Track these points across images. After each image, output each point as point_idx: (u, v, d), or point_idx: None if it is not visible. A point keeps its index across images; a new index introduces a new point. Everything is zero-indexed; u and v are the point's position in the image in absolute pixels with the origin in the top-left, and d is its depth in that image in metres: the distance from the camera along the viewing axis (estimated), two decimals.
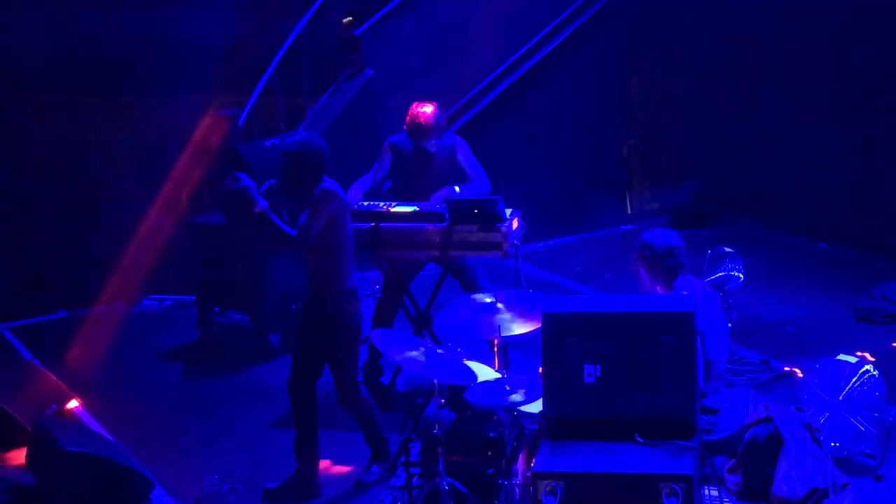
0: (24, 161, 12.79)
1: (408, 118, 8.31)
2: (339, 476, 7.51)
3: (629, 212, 13.06)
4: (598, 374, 5.64)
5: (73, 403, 8.41)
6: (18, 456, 7.73)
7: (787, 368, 8.54)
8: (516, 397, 6.21)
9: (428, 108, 8.27)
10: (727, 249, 8.60)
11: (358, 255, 8.57)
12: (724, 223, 11.99)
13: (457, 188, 8.26)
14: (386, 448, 7.44)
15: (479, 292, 7.41)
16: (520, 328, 6.58)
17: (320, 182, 6.96)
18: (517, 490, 6.29)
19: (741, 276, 8.51)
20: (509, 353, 6.82)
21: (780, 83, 11.82)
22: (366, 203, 8.40)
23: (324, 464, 7.53)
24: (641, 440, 5.52)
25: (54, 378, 8.76)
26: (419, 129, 8.26)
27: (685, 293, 6.42)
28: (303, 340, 7.19)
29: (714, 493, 6.10)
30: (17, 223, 12.42)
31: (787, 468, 6.49)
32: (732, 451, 6.71)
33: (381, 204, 8.37)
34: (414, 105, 8.32)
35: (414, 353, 6.33)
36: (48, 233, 12.30)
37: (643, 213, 12.97)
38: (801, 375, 8.34)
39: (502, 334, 6.55)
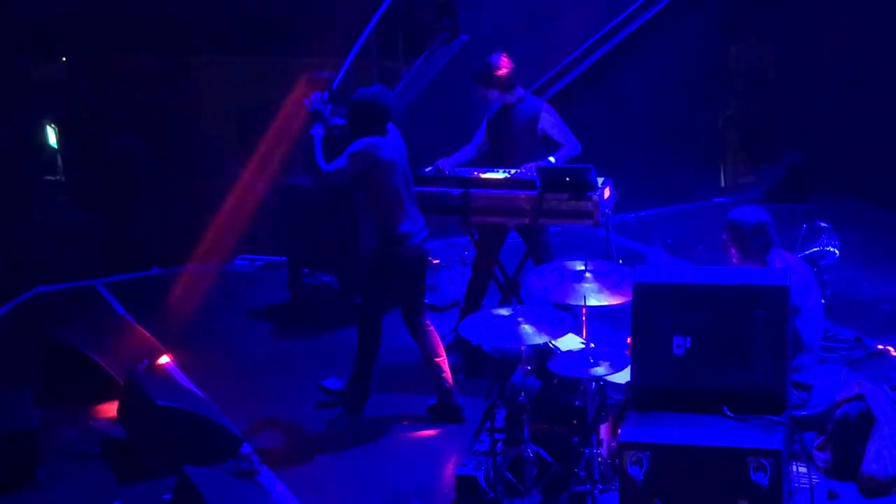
0: (122, 119, 12.98)
1: None
2: (425, 437, 7.59)
3: (723, 184, 12.88)
4: (688, 346, 5.60)
5: (164, 359, 8.54)
6: (110, 409, 7.90)
7: (880, 346, 8.38)
8: (600, 370, 6.18)
9: (495, 58, 8.21)
10: (823, 224, 8.47)
11: (447, 221, 8.66)
12: (821, 198, 11.77)
13: (551, 159, 8.20)
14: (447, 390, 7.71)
15: (543, 263, 7.46)
16: (606, 299, 6.54)
17: (371, 135, 7.34)
18: (600, 459, 6.27)
19: (836, 251, 8.39)
20: (594, 322, 6.77)
21: (883, 54, 11.55)
22: (456, 169, 8.41)
23: (410, 426, 7.64)
24: (730, 413, 5.47)
25: (147, 333, 8.90)
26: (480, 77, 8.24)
27: (779, 267, 6.33)
28: (370, 280, 7.70)
29: (802, 469, 6.02)
30: (114, 180, 12.62)
31: (879, 447, 6.37)
32: (822, 428, 6.62)
33: (472, 170, 8.38)
34: None
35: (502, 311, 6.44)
36: (144, 191, 12.49)
37: (737, 186, 12.80)
38: (895, 354, 8.19)
39: (587, 303, 6.51)
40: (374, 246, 7.65)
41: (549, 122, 8.29)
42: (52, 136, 14.14)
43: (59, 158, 14.11)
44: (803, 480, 5.99)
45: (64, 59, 13.88)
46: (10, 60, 12.87)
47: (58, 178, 14.11)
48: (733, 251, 6.59)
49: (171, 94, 13.05)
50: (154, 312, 9.80)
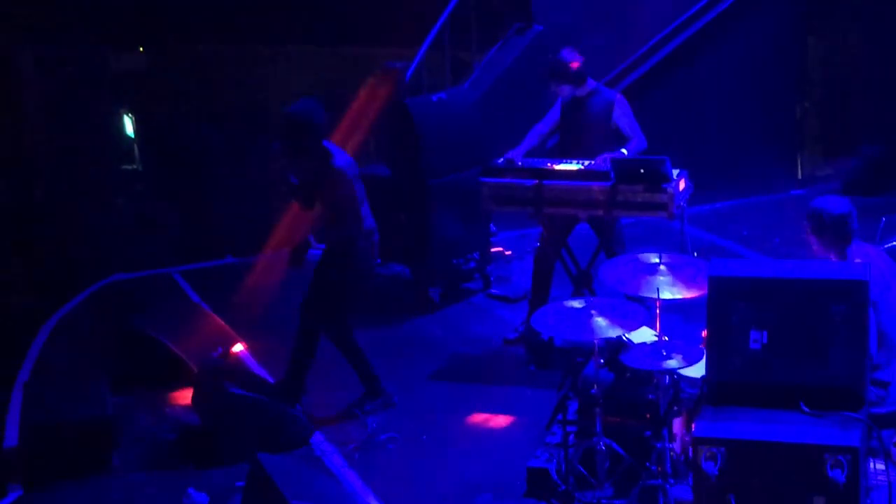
0: (198, 109, 13.10)
1: None
2: (496, 428, 7.56)
3: (800, 176, 12.70)
4: (765, 341, 5.52)
5: (238, 347, 8.60)
6: (185, 396, 7.97)
7: None
8: (673, 363, 6.12)
9: (567, 54, 8.19)
10: None
11: (519, 212, 8.62)
12: None
13: (624, 151, 8.14)
14: (300, 380, 7.81)
15: (616, 255, 7.45)
16: (680, 292, 6.47)
17: (318, 147, 7.53)
18: (673, 454, 6.22)
19: None
20: (667, 315, 6.70)
21: None
22: (529, 160, 8.36)
23: (482, 417, 7.60)
24: (807, 409, 5.39)
25: (221, 322, 8.97)
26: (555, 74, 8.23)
27: (859, 261, 6.22)
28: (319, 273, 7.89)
29: (881, 466, 5.92)
30: (190, 170, 12.74)
31: None
32: None
33: (545, 161, 8.33)
34: None
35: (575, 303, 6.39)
36: (219, 180, 12.59)
37: (814, 178, 12.61)
38: None
39: (661, 296, 6.45)
40: (340, 242, 7.76)
41: (620, 113, 8.23)
42: (129, 126, 14.32)
43: (136, 148, 14.30)
44: (881, 478, 5.88)
45: (141, 49, 14.05)
46: (88, 51, 13.03)
47: (135, 167, 14.30)
48: (813, 240, 6.49)
49: (247, 84, 13.14)
50: (228, 301, 9.87)
